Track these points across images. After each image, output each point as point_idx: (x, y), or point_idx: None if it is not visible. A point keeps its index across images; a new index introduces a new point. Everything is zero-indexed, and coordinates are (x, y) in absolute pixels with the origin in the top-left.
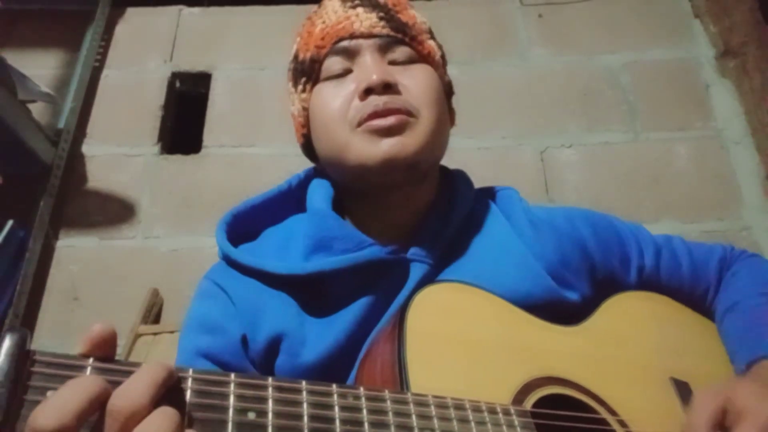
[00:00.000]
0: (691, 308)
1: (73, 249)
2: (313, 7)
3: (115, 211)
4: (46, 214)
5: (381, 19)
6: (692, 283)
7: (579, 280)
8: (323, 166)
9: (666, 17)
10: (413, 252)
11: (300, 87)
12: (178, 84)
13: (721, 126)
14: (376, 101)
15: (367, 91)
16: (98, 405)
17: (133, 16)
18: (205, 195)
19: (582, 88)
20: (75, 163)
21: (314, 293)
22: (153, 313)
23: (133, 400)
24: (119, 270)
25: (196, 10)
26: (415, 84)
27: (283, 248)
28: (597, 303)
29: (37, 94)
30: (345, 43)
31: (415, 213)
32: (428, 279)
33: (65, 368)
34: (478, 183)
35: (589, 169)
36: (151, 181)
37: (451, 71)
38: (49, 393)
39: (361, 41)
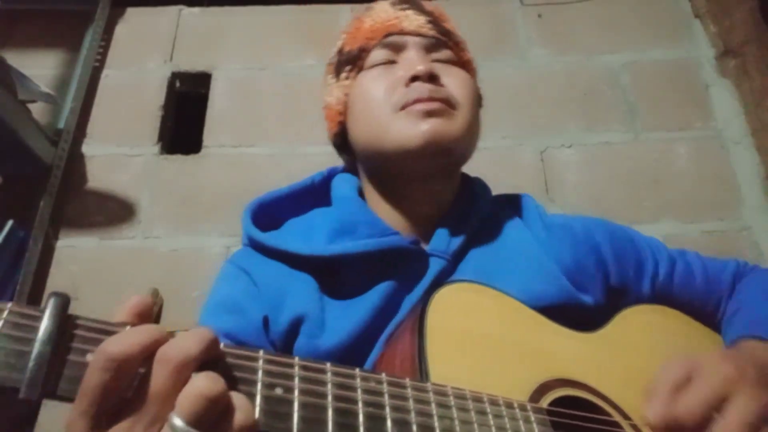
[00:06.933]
0: (703, 322)
1: (73, 249)
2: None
3: (115, 211)
4: (46, 214)
5: (428, 22)
6: (705, 296)
7: (593, 285)
8: (355, 156)
9: (666, 17)
10: (432, 247)
11: (344, 75)
12: (178, 84)
13: (721, 126)
14: (421, 88)
15: (413, 79)
16: (157, 348)
17: (133, 16)
18: (205, 195)
19: (582, 88)
20: (75, 163)
21: (335, 277)
22: (153, 313)
23: (182, 349)
24: (119, 270)
25: (196, 10)
26: (456, 82)
27: (307, 236)
28: (610, 312)
29: (37, 94)
30: (394, 38)
31: (436, 209)
32: (445, 274)
33: (105, 333)
34: None
35: (589, 169)
36: (151, 181)
37: None
38: (88, 356)
39: (408, 38)
